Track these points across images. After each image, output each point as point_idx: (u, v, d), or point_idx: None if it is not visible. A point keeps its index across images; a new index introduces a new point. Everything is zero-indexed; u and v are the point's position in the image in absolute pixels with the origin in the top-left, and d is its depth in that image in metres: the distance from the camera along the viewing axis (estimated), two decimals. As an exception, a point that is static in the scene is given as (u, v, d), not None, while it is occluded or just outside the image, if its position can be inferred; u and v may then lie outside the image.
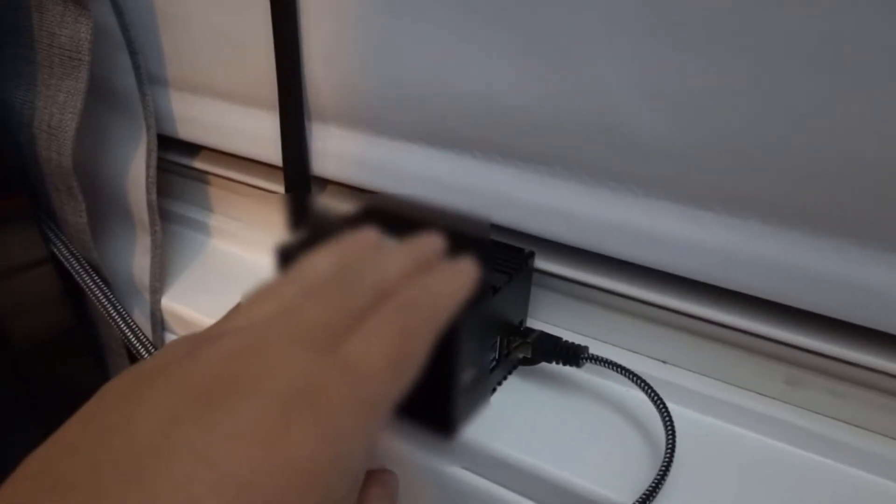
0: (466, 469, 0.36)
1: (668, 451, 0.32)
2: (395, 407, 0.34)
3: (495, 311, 0.35)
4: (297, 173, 0.43)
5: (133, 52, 0.43)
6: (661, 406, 0.33)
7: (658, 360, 0.39)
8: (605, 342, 0.40)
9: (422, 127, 0.39)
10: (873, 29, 0.26)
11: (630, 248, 0.36)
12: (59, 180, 0.42)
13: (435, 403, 0.34)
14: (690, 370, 0.38)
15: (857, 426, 0.34)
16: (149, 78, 0.44)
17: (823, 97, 0.28)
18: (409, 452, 0.37)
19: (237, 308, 0.26)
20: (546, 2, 0.31)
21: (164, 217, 0.47)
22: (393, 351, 0.24)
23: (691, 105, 0.30)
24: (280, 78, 0.41)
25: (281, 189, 0.47)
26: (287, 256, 0.36)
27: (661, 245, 0.34)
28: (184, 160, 0.52)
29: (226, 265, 0.51)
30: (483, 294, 0.34)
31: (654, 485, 0.31)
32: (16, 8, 0.41)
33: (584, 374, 0.39)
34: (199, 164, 0.51)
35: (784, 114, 0.29)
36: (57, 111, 0.40)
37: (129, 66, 0.43)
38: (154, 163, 0.44)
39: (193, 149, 0.51)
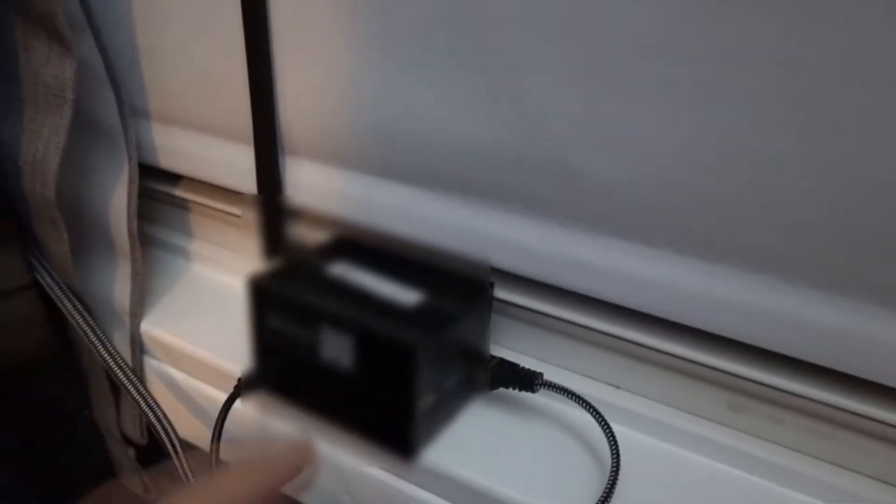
0: (425, 490, 0.38)
1: (613, 471, 0.34)
2: (359, 429, 0.36)
3: (453, 341, 0.37)
4: (271, 204, 0.45)
5: (116, 88, 0.45)
6: (606, 428, 0.35)
7: (611, 385, 0.41)
8: (563, 367, 0.42)
9: (388, 162, 0.41)
10: (805, 90, 0.28)
11: (583, 281, 0.38)
12: (42, 211, 0.44)
13: (396, 427, 0.36)
14: (641, 395, 0.40)
15: (795, 450, 0.36)
16: (131, 110, 0.46)
17: (772, 142, 0.30)
18: (370, 473, 0.39)
19: None
20: (504, 50, 0.34)
21: (146, 242, 0.49)
22: None
23: (639, 149, 0.33)
24: (254, 113, 0.43)
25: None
26: (258, 287, 0.38)
27: (612, 279, 0.37)
28: (165, 188, 0.54)
29: (205, 290, 0.53)
30: (440, 325, 0.36)
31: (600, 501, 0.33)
32: (5, 45, 0.43)
33: (540, 399, 0.41)
34: (179, 191, 0.53)
35: (731, 157, 0.31)
36: (41, 146, 0.42)
37: (112, 101, 0.45)
38: (135, 193, 0.46)
39: (174, 177, 0.53)
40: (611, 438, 0.35)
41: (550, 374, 0.38)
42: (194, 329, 0.48)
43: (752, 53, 0.28)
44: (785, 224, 0.31)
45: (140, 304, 0.48)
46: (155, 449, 0.57)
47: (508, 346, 0.44)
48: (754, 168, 0.30)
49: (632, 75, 0.31)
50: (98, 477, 0.56)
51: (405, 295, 0.37)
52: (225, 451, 0.39)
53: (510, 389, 0.39)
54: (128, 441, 0.53)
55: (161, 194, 0.55)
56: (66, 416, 0.52)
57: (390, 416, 0.36)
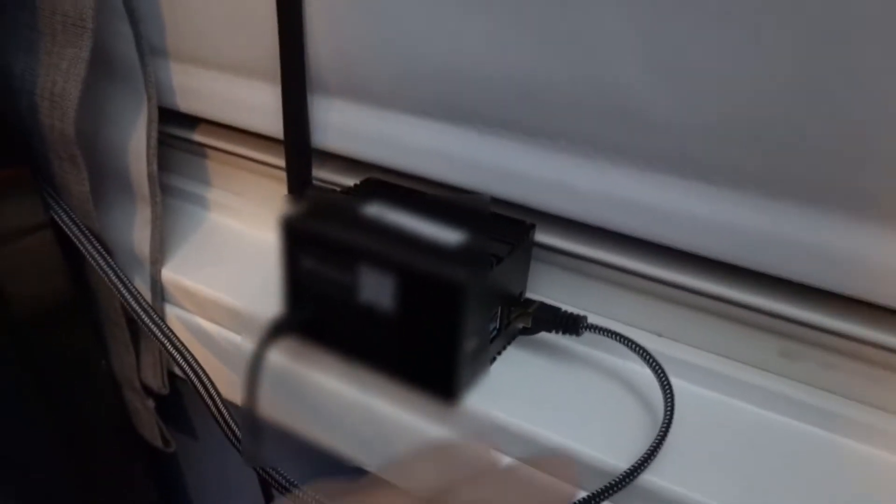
0: (468, 436, 0.37)
1: (667, 417, 0.33)
2: (399, 373, 0.34)
3: (497, 282, 0.36)
4: (298, 146, 0.44)
5: (134, 22, 0.43)
6: (661, 373, 0.34)
7: (653, 332, 0.40)
8: (601, 315, 0.41)
9: (425, 100, 0.39)
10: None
11: (631, 221, 0.36)
12: (61, 148, 0.42)
13: (438, 370, 0.34)
14: (686, 343, 0.39)
15: (847, 398, 0.35)
16: (149, 48, 0.44)
17: (833, 74, 0.28)
18: (413, 419, 0.38)
19: None
20: (553, -25, 0.32)
21: (163, 190, 0.47)
22: None
23: (697, 80, 0.31)
24: (282, 49, 0.41)
25: (281, 162, 0.47)
26: (292, 228, 0.36)
27: (662, 219, 0.35)
28: (183, 133, 0.52)
29: (225, 239, 0.51)
30: (486, 264, 0.34)
31: (649, 452, 0.32)
32: (17, -27, 0.41)
33: (580, 346, 0.40)
34: (197, 136, 0.51)
35: (790, 92, 0.29)
36: (60, 79, 0.40)
37: (129, 36, 0.43)
38: (155, 134, 0.44)
39: (191, 121, 0.51)
40: (664, 383, 0.34)
41: (590, 320, 0.37)
42: (217, 276, 0.46)
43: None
44: (850, 158, 0.30)
45: (160, 249, 0.47)
46: (174, 402, 0.56)
47: (544, 294, 0.42)
48: (816, 105, 0.29)
49: (689, 9, 0.29)
50: (115, 429, 0.55)
51: (445, 235, 0.35)
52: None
53: (552, 333, 0.38)
54: (147, 391, 0.52)
55: (178, 140, 0.53)
56: (81, 365, 0.50)
57: (432, 358, 0.35)
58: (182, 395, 0.57)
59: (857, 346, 0.34)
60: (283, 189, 0.47)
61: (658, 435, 0.32)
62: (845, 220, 0.31)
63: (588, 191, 0.36)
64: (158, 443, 0.55)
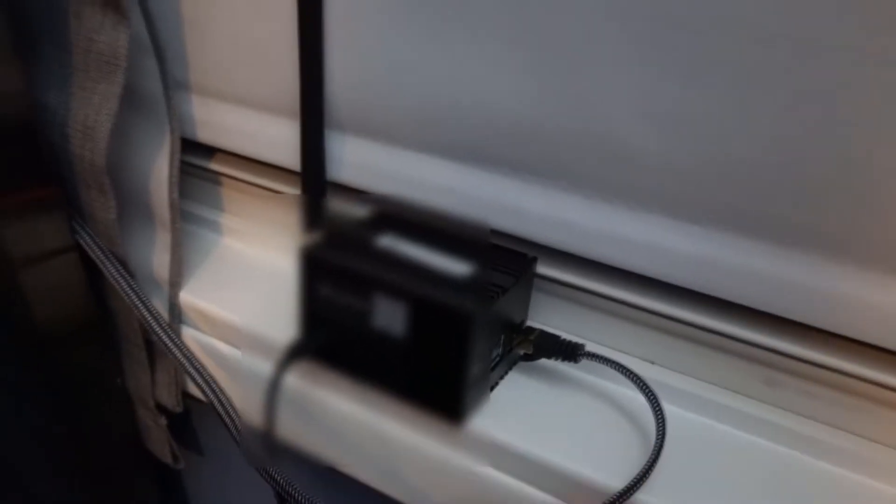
0: (470, 457, 0.39)
1: (659, 440, 0.35)
2: (408, 396, 0.36)
3: (501, 311, 0.39)
4: (314, 178, 0.46)
5: (161, 59, 0.45)
6: (654, 399, 0.36)
7: (647, 360, 0.42)
8: (598, 343, 0.43)
9: (437, 140, 0.42)
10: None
11: (625, 256, 0.39)
12: (90, 178, 0.44)
13: (446, 393, 0.37)
14: (677, 370, 0.41)
15: (830, 425, 0.38)
16: (174, 83, 0.47)
17: (817, 120, 0.31)
18: (420, 440, 0.40)
19: None
20: (558, 24, 0.35)
21: (181, 217, 0.49)
22: None
23: (687, 126, 0.34)
24: (303, 86, 0.44)
25: (295, 192, 0.50)
26: (310, 257, 0.39)
27: (654, 254, 0.38)
28: (200, 162, 0.54)
29: (238, 263, 0.53)
30: (491, 295, 0.37)
31: (643, 472, 0.34)
32: (53, 11, 0.43)
33: (578, 372, 0.42)
34: (214, 166, 0.54)
35: (776, 135, 0.32)
36: (92, 112, 0.42)
37: (155, 72, 0.45)
38: (177, 163, 0.47)
39: (208, 151, 0.54)
40: (656, 408, 0.36)
41: (587, 348, 0.39)
42: (233, 299, 0.48)
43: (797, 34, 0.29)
44: (831, 202, 0.32)
45: (179, 273, 0.49)
46: (183, 420, 0.57)
47: (543, 322, 0.45)
48: (802, 147, 0.32)
49: (684, 53, 0.32)
50: (126, 445, 0.57)
51: (454, 266, 0.38)
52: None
53: (552, 360, 0.40)
54: (161, 410, 0.54)
55: (194, 168, 0.55)
56: (98, 383, 0.52)
57: (440, 382, 0.37)
58: (191, 414, 0.58)
59: (836, 376, 0.37)
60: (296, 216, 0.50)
61: (650, 457, 0.35)
62: (825, 260, 0.34)
63: (586, 227, 0.39)
64: (168, 459, 0.56)
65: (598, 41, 0.34)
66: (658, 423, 0.36)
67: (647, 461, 0.34)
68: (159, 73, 0.45)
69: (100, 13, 0.41)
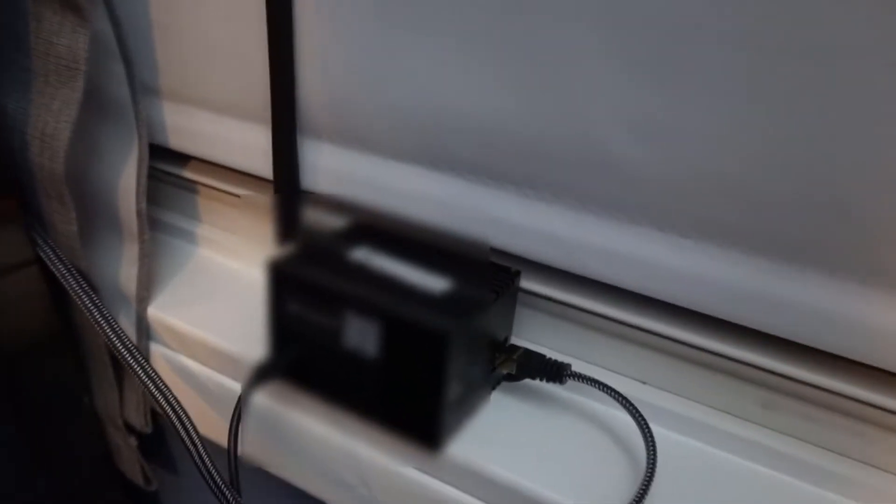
0: (448, 485, 0.37)
1: (650, 468, 0.33)
2: (383, 419, 0.34)
3: (482, 329, 0.36)
4: (287, 186, 0.44)
5: (128, 63, 0.43)
6: (644, 425, 0.34)
7: (638, 380, 0.40)
8: (586, 362, 0.41)
9: (415, 147, 0.40)
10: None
11: (613, 271, 0.37)
12: (49, 187, 0.42)
13: (422, 417, 0.34)
14: (670, 391, 0.39)
15: (829, 450, 0.36)
16: (141, 88, 0.45)
17: (807, 132, 0.29)
18: (390, 466, 0.38)
19: None
20: (543, 31, 0.32)
21: (152, 225, 0.47)
22: None
23: (676, 138, 0.32)
24: (274, 91, 0.42)
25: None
26: (278, 271, 0.36)
27: (643, 270, 0.36)
28: (172, 169, 0.52)
29: (213, 275, 0.51)
30: (472, 312, 0.35)
31: (634, 502, 0.32)
32: (15, 13, 0.41)
33: (564, 392, 0.40)
34: (188, 173, 0.52)
35: (764, 148, 0.30)
36: (51, 119, 0.40)
37: (122, 76, 0.43)
38: (145, 172, 0.44)
39: (182, 158, 0.52)
40: (647, 434, 0.34)
41: (574, 368, 0.37)
42: (204, 315, 0.46)
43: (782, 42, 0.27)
44: (829, 216, 0.30)
45: (147, 287, 0.47)
46: (157, 439, 0.55)
47: (529, 339, 0.43)
48: (796, 160, 0.30)
49: (672, 64, 0.30)
50: (95, 465, 0.54)
51: (431, 281, 0.36)
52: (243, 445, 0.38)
53: (536, 381, 0.38)
54: (130, 429, 0.52)
55: (167, 176, 0.53)
56: (64, 402, 0.50)
57: (416, 405, 0.35)
58: (165, 431, 0.56)
59: (837, 399, 0.34)
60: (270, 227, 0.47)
61: (640, 487, 0.32)
62: (824, 278, 0.32)
63: (572, 240, 0.37)
64: (139, 480, 0.54)
65: (584, 48, 0.32)
66: (649, 451, 0.34)
67: (637, 492, 0.32)
68: (126, 77, 0.43)
69: (59, 15, 0.39)
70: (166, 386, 0.41)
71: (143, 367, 0.41)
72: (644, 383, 0.40)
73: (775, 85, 0.29)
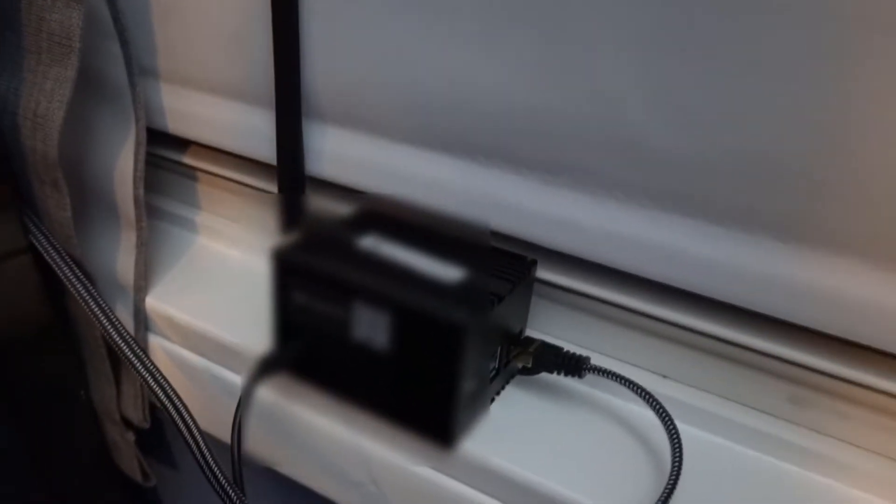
0: (462, 483, 0.35)
1: (675, 468, 0.31)
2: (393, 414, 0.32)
3: (497, 320, 0.35)
4: (291, 172, 0.42)
5: (124, 42, 0.41)
6: (669, 421, 0.33)
7: (658, 374, 0.38)
8: (604, 354, 0.39)
9: (427, 130, 0.38)
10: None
11: (634, 260, 0.35)
12: (43, 171, 0.40)
13: (435, 413, 0.33)
14: (692, 385, 0.37)
15: (862, 447, 0.34)
16: (139, 69, 0.43)
17: (836, 110, 0.27)
18: (405, 463, 0.36)
19: None
20: (567, 11, 0.31)
21: (150, 213, 0.45)
22: None
23: (703, 118, 0.30)
24: (278, 74, 0.40)
25: (273, 188, 0.46)
26: (283, 261, 0.35)
27: (668, 258, 0.34)
28: (172, 155, 0.50)
29: (213, 264, 0.49)
30: (486, 302, 0.33)
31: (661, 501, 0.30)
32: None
33: (582, 386, 0.38)
34: (187, 159, 0.50)
35: (797, 128, 0.28)
36: (44, 99, 0.38)
37: (119, 57, 0.41)
38: (142, 157, 0.43)
39: (182, 143, 0.50)
40: (672, 431, 0.32)
41: (593, 361, 0.36)
42: (205, 305, 0.44)
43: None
44: (865, 201, 0.28)
45: (145, 276, 0.45)
46: (156, 434, 0.53)
47: (544, 331, 0.41)
48: (833, 141, 0.28)
49: (699, 39, 0.28)
50: (93, 461, 0.53)
51: (444, 271, 0.34)
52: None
53: (553, 374, 0.36)
54: (127, 424, 0.50)
55: (166, 162, 0.51)
56: (59, 396, 0.48)
57: (428, 400, 0.33)
58: (164, 426, 0.55)
59: (870, 394, 0.33)
60: (274, 214, 0.46)
61: (667, 486, 0.31)
62: (859, 265, 0.30)
63: (591, 227, 0.35)
64: (138, 477, 0.53)
65: (606, 22, 0.30)
66: (674, 448, 0.32)
67: (664, 490, 0.30)
68: (123, 57, 0.41)
69: (51, -11, 0.37)
70: (165, 379, 0.39)
71: (140, 360, 0.39)
72: (665, 377, 0.38)
73: (808, 63, 0.27)
